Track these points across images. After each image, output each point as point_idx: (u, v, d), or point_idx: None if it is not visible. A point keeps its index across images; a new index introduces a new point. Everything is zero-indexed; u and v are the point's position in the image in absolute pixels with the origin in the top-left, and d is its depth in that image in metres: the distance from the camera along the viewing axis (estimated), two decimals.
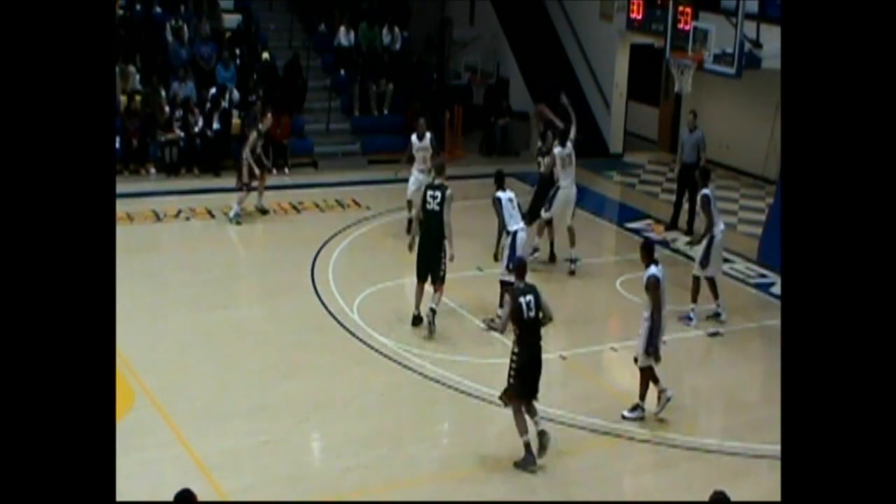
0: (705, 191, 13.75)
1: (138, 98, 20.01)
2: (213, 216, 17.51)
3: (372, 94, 22.48)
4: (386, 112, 22.62)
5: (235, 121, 20.33)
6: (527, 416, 10.07)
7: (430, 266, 12.87)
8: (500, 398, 10.17)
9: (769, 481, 9.34)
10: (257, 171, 17.06)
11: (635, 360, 11.05)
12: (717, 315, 13.89)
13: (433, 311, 12.83)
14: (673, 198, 18.16)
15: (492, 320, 13.07)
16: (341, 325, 13.26)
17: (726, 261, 15.95)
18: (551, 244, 15.65)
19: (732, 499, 7.19)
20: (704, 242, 13.68)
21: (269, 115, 17.70)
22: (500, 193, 13.34)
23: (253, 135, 17.07)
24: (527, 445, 10.01)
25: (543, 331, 10.15)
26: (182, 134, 19.90)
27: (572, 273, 15.25)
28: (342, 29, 22.96)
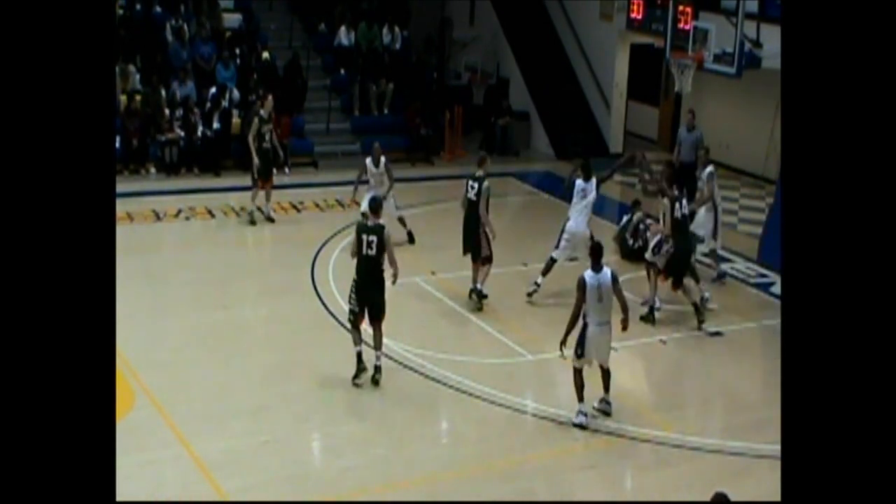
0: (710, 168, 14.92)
1: (138, 98, 20.01)
2: (213, 216, 17.51)
3: (372, 94, 22.48)
4: (386, 112, 22.63)
5: (235, 121, 20.35)
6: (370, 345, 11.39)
7: (472, 249, 13.78)
8: (349, 320, 11.48)
9: (769, 481, 9.33)
10: (256, 161, 16.74)
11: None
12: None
13: (474, 290, 13.82)
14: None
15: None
16: (341, 324, 13.23)
17: (726, 260, 15.97)
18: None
19: (733, 499, 7.19)
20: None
21: (270, 97, 17.46)
22: (579, 180, 14.22)
23: (255, 121, 16.92)
24: (358, 355, 11.34)
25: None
26: (182, 134, 19.90)
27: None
28: (342, 29, 22.96)
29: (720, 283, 15.32)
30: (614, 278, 10.74)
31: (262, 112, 17.07)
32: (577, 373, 10.81)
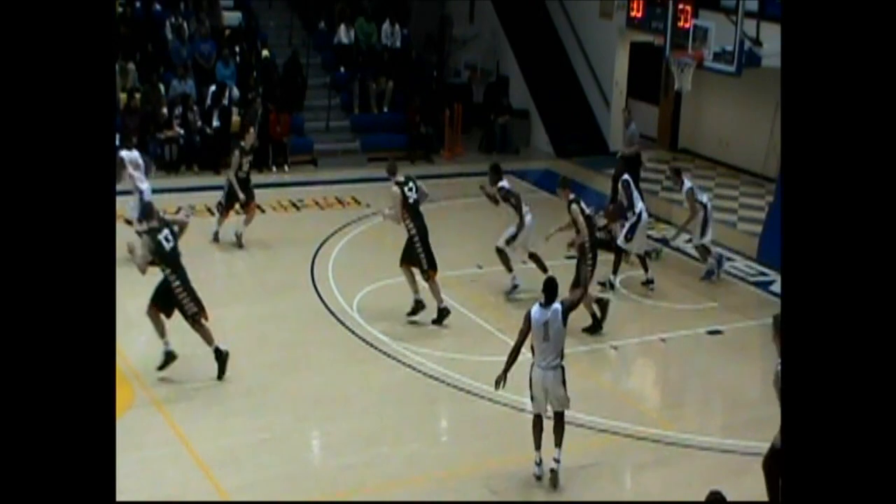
0: (626, 176, 15.47)
1: (138, 96, 20.01)
2: (213, 214, 17.47)
3: (372, 91, 22.48)
4: (386, 110, 22.64)
5: (235, 118, 20.34)
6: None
7: (432, 253, 13.16)
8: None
9: None
10: (241, 196, 15.92)
11: None
12: (650, 282, 14.78)
13: (443, 311, 13.28)
14: (672, 196, 18.27)
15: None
16: (341, 322, 13.27)
17: (728, 260, 15.99)
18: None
19: (732, 497, 7.20)
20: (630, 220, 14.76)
21: (251, 130, 16.51)
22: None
23: (236, 154, 15.89)
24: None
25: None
26: (182, 131, 19.90)
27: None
28: (342, 27, 22.97)
29: (709, 280, 15.40)
30: (565, 310, 9.60)
31: (242, 144, 16.40)
32: (534, 418, 9.80)
